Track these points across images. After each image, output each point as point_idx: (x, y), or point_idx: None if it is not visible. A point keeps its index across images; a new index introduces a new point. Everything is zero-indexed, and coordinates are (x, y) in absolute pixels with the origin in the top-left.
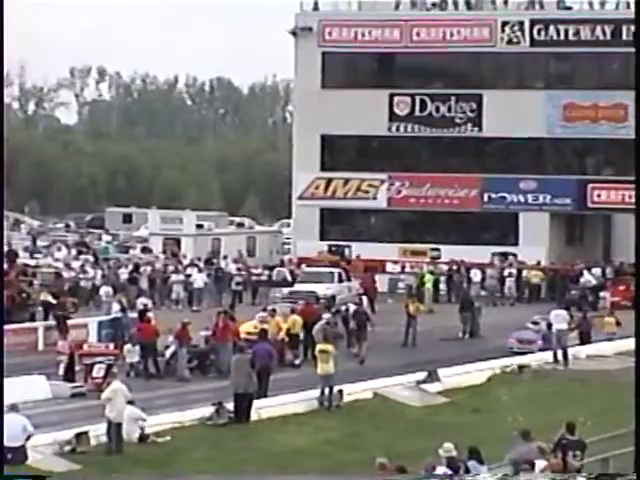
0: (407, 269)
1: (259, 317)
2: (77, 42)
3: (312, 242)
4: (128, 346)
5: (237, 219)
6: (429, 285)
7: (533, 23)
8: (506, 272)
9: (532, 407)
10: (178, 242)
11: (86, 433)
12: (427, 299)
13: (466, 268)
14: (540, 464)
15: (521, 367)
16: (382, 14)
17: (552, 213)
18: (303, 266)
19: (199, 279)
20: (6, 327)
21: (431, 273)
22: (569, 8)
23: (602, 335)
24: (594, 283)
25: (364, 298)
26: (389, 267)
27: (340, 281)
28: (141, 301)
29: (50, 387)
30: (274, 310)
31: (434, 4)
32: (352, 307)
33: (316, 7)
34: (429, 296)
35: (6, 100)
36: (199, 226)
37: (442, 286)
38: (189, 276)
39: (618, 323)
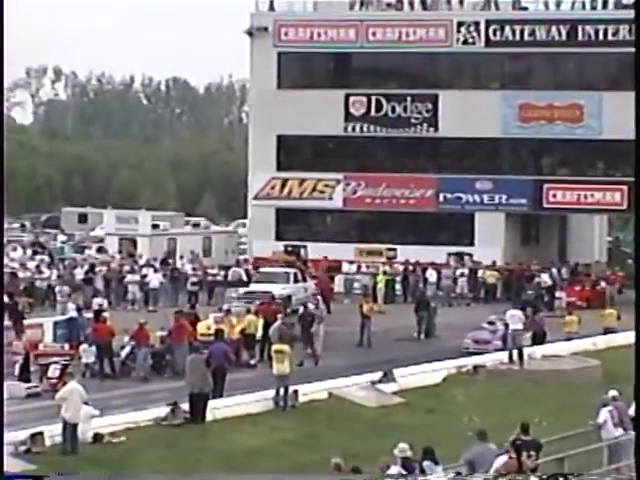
0: (363, 269)
1: (214, 317)
2: (33, 41)
3: (268, 242)
4: (84, 346)
5: (193, 219)
6: (381, 285)
7: (489, 23)
8: (458, 272)
9: (487, 407)
10: (134, 242)
11: (41, 433)
12: (379, 299)
13: (422, 268)
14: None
15: (476, 367)
16: (338, 14)
17: (508, 213)
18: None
19: (155, 279)
20: None
21: (384, 273)
22: (525, 9)
23: (561, 335)
24: (549, 283)
25: (319, 298)
26: (345, 267)
27: (296, 281)
28: (97, 301)
29: (5, 387)
30: (229, 310)
31: (389, 4)
32: (309, 307)
33: (272, 7)
34: (381, 296)
35: None
36: (155, 226)
37: (398, 286)
38: (145, 276)
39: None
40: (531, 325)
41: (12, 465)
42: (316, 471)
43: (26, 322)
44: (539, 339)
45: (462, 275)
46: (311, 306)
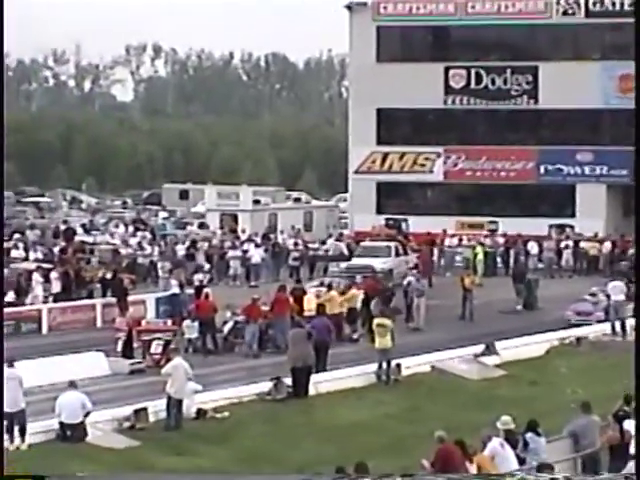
0: (464, 242)
1: (316, 291)
2: (132, 19)
3: (369, 216)
4: (187, 322)
5: (294, 194)
6: (480, 257)
7: None
8: (563, 244)
9: (590, 379)
10: (235, 218)
11: (145, 409)
12: (479, 272)
13: (523, 241)
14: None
15: (579, 339)
16: None
17: (609, 185)
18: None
19: (256, 254)
20: (65, 304)
21: (481, 245)
22: None
23: None
24: None
25: (421, 272)
26: (446, 241)
27: (397, 255)
28: (198, 277)
29: (109, 364)
30: (330, 285)
31: None
32: (410, 280)
33: None
34: (481, 269)
35: (62, 78)
36: (256, 201)
37: (499, 259)
38: (246, 252)
39: None
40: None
41: (116, 441)
42: (419, 444)
43: (129, 299)
44: None
45: (566, 247)
46: (412, 280)
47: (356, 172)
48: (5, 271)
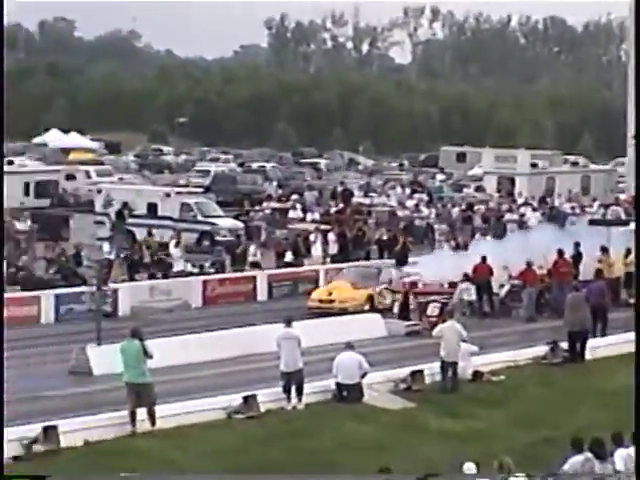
0: None
1: (597, 257)
2: None
3: None
4: (464, 285)
5: (571, 158)
6: None
7: None
8: None
9: None
10: (512, 181)
11: (421, 371)
12: None
13: None
14: None
15: None
16: None
17: None
18: None
19: (533, 218)
20: (339, 265)
21: None
22: None
23: None
24: None
25: None
26: None
27: None
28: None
29: (386, 325)
30: (606, 249)
31: None
32: None
33: None
34: None
35: (340, 40)
36: (533, 165)
37: None
38: (523, 215)
39: None
40: None
41: (392, 402)
42: None
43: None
44: None
45: None
46: None
47: (635, 136)
48: (284, 231)
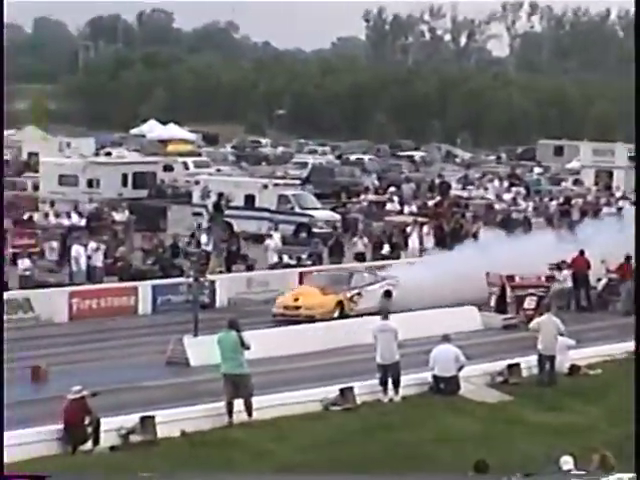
0: None
1: None
2: None
3: None
4: (561, 274)
5: None
6: None
7: None
8: None
9: None
10: (610, 174)
11: (518, 365)
12: None
13: None
14: None
15: None
16: None
17: None
18: None
19: (631, 212)
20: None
21: None
22: None
23: None
24: None
25: None
26: None
27: None
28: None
29: (482, 318)
30: None
31: None
32: None
33: None
34: None
35: (438, 32)
36: (632, 158)
37: None
38: (621, 209)
39: None
40: None
41: (489, 395)
42: None
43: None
44: None
45: None
46: None
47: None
48: (380, 224)
